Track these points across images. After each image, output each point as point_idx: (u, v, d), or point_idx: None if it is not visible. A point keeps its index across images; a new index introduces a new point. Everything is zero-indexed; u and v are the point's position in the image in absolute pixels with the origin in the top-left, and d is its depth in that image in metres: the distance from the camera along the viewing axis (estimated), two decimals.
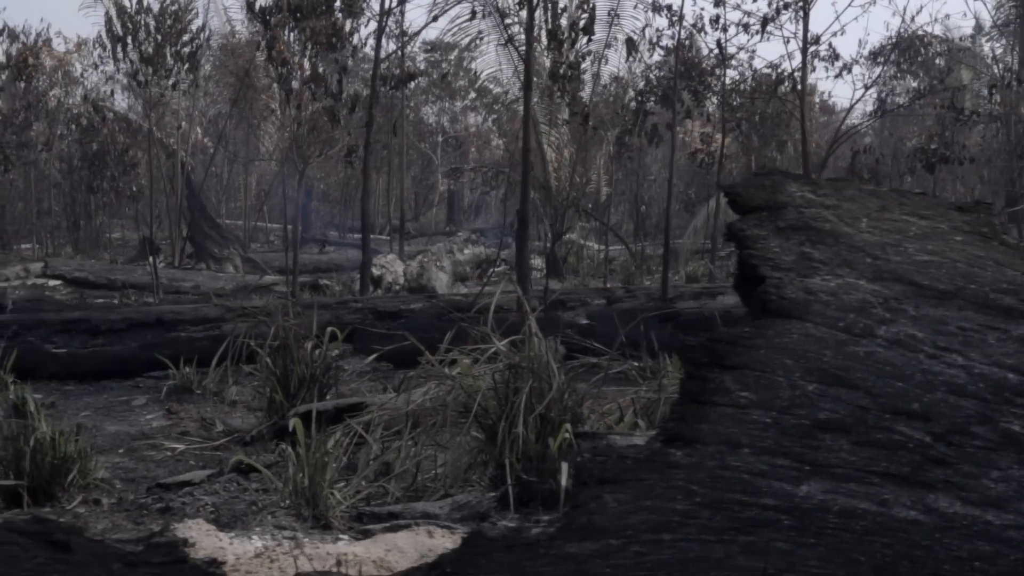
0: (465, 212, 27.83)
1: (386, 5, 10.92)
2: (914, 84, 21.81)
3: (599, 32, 12.98)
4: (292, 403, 5.42)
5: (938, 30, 18.41)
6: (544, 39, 8.96)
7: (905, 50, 13.77)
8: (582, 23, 8.02)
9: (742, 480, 1.99)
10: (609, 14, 10.36)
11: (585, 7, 7.94)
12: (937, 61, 18.68)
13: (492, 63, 16.04)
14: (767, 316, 1.95)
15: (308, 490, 3.97)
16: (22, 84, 15.14)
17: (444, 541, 3.52)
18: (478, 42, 13.41)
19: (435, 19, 10.50)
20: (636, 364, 5.86)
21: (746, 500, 1.99)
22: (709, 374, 1.97)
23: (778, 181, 1.98)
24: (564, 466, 4.22)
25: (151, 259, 14.09)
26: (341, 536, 3.80)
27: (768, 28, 10.74)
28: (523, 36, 14.35)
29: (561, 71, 8.26)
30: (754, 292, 1.97)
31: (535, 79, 15.27)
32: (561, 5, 8.36)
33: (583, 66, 13.51)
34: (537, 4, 7.28)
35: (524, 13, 7.38)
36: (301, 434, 4.09)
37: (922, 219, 2.00)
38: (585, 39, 8.31)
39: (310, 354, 5.48)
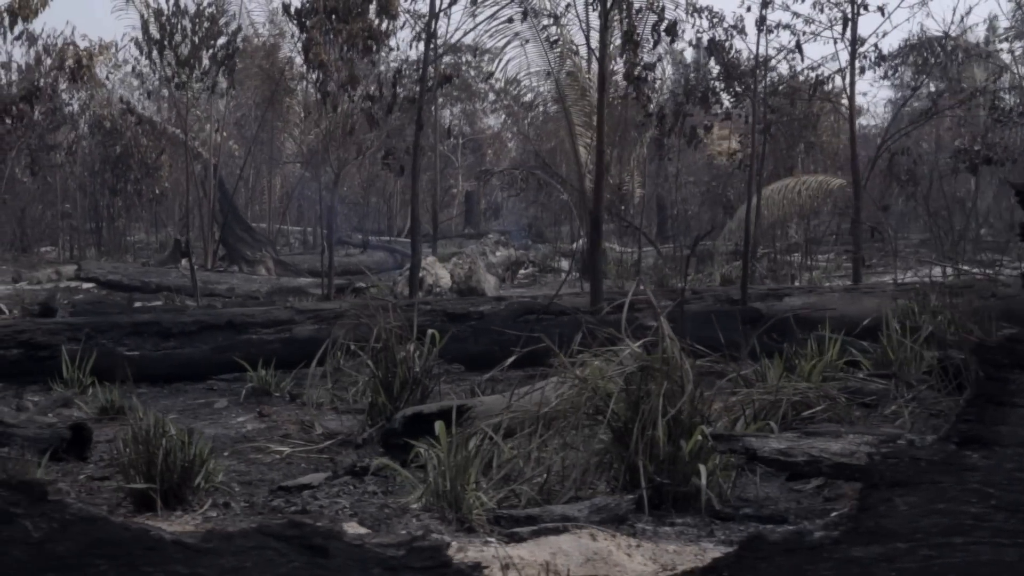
0: (483, 214, 27.81)
1: (435, 8, 10.87)
2: (931, 87, 21.81)
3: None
4: (396, 405, 5.39)
5: (953, 31, 18.34)
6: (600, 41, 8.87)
7: (951, 51, 13.77)
8: (663, 25, 7.99)
9: None
10: (693, 12, 10.34)
11: (654, 8, 7.92)
12: (957, 64, 18.68)
13: (524, 65, 15.95)
14: None
15: (450, 492, 3.95)
16: (72, 83, 15.09)
17: (608, 544, 3.50)
18: (523, 44, 13.36)
19: (509, 20, 10.34)
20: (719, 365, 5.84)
21: None
22: (1009, 375, 1.95)
23: None
24: (702, 468, 4.21)
25: (189, 262, 14.05)
26: (488, 539, 3.77)
27: (815, 29, 10.75)
28: (560, 39, 14.34)
29: (636, 72, 8.24)
30: None
31: (571, 81, 15.26)
32: (636, 6, 8.34)
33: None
34: (612, 6, 7.26)
35: (595, 15, 7.37)
36: (443, 436, 4.07)
37: None
38: (668, 39, 8.28)
39: (412, 356, 5.45)
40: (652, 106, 9.89)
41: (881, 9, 9.32)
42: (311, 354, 7.51)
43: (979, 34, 20.85)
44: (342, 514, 4.06)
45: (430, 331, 5.71)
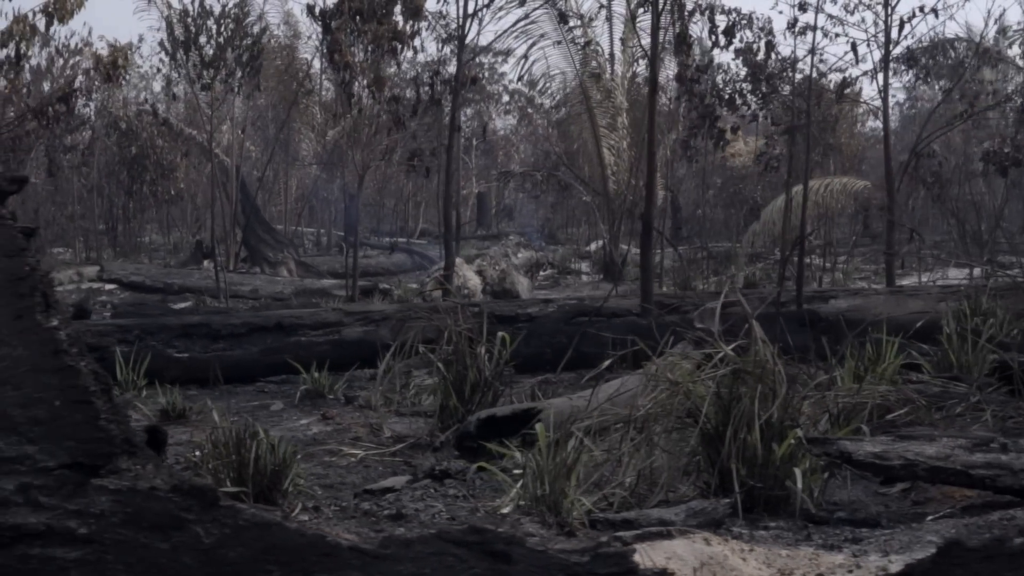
0: (496, 216, 27.81)
1: (469, 9, 10.88)
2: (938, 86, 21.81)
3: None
4: (467, 408, 5.37)
5: (961, 32, 18.29)
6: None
7: (980, 54, 13.78)
8: (721, 28, 7.99)
9: None
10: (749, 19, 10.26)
11: (701, 9, 7.91)
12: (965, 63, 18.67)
13: (547, 67, 15.98)
14: None
15: (549, 495, 3.93)
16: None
17: (723, 549, 3.48)
18: (554, 44, 13.39)
19: (562, 20, 10.29)
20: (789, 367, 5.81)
21: None
22: None
23: None
24: (797, 472, 4.19)
25: (213, 263, 14.02)
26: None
27: (851, 31, 10.77)
28: (584, 39, 14.35)
29: (689, 75, 8.22)
30: None
31: (595, 83, 15.27)
32: (689, 8, 8.33)
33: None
34: (663, 9, 7.24)
35: (649, 16, 7.33)
36: (543, 439, 4.05)
37: None
38: (726, 41, 8.25)
39: (483, 359, 5.43)
40: (700, 108, 9.87)
41: (935, 11, 9.33)
42: (360, 356, 7.51)
43: (989, 36, 20.88)
44: (439, 518, 4.04)
45: (500, 334, 5.68)
